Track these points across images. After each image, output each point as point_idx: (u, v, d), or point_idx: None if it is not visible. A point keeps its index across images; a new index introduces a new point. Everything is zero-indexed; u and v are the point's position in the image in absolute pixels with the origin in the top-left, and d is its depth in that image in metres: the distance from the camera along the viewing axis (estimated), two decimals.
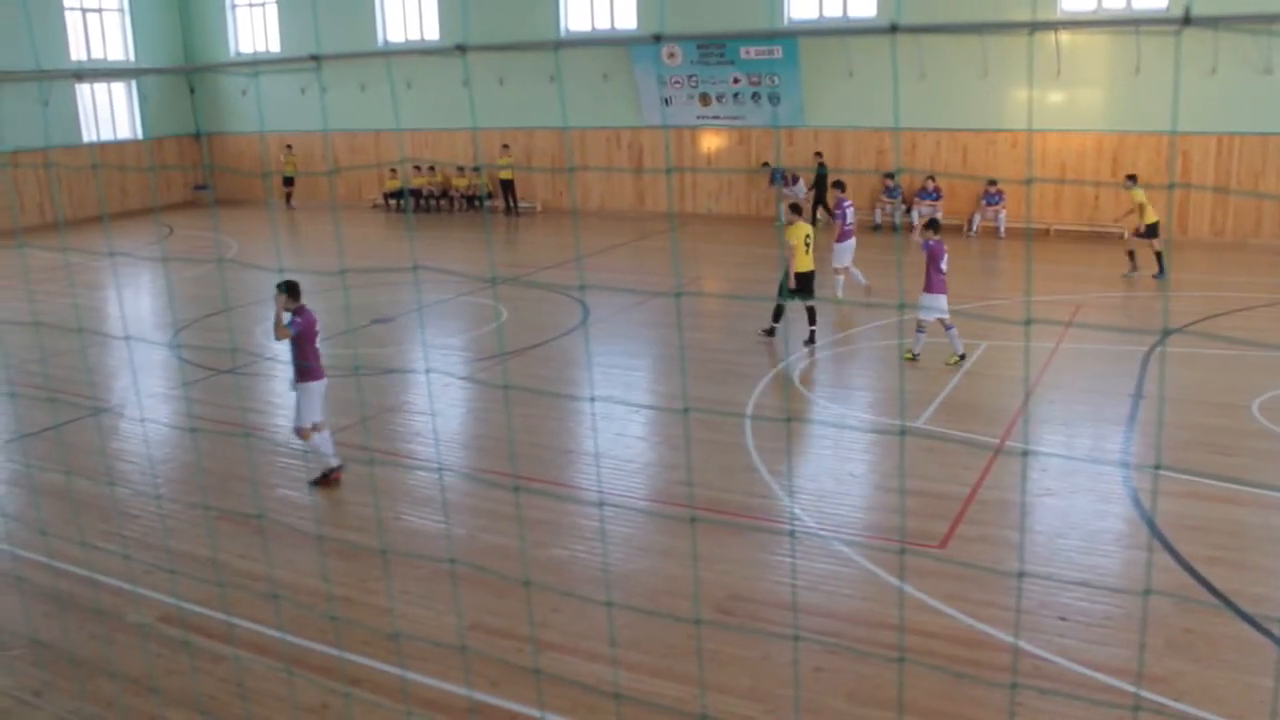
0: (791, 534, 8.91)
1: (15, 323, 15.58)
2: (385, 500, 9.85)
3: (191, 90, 32.95)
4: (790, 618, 7.46)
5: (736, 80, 24.80)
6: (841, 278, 16.37)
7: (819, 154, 23.89)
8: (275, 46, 31.31)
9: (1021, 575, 7.60)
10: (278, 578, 8.22)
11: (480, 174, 27.90)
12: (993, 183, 22.25)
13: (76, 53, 29.93)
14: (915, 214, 22.68)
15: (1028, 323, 3.79)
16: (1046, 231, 22.35)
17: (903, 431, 10.73)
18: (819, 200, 23.39)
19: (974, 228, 22.59)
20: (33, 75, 26.35)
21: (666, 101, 25.77)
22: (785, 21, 24.11)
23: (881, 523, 9.11)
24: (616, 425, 11.59)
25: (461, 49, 3.25)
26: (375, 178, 30.18)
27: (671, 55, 25.11)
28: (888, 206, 23.53)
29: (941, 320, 12.99)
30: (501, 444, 11.23)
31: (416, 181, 29.07)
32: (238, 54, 32.04)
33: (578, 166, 27.64)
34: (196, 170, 32.96)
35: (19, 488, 10.79)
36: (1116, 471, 9.88)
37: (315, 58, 3.76)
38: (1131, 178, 18.01)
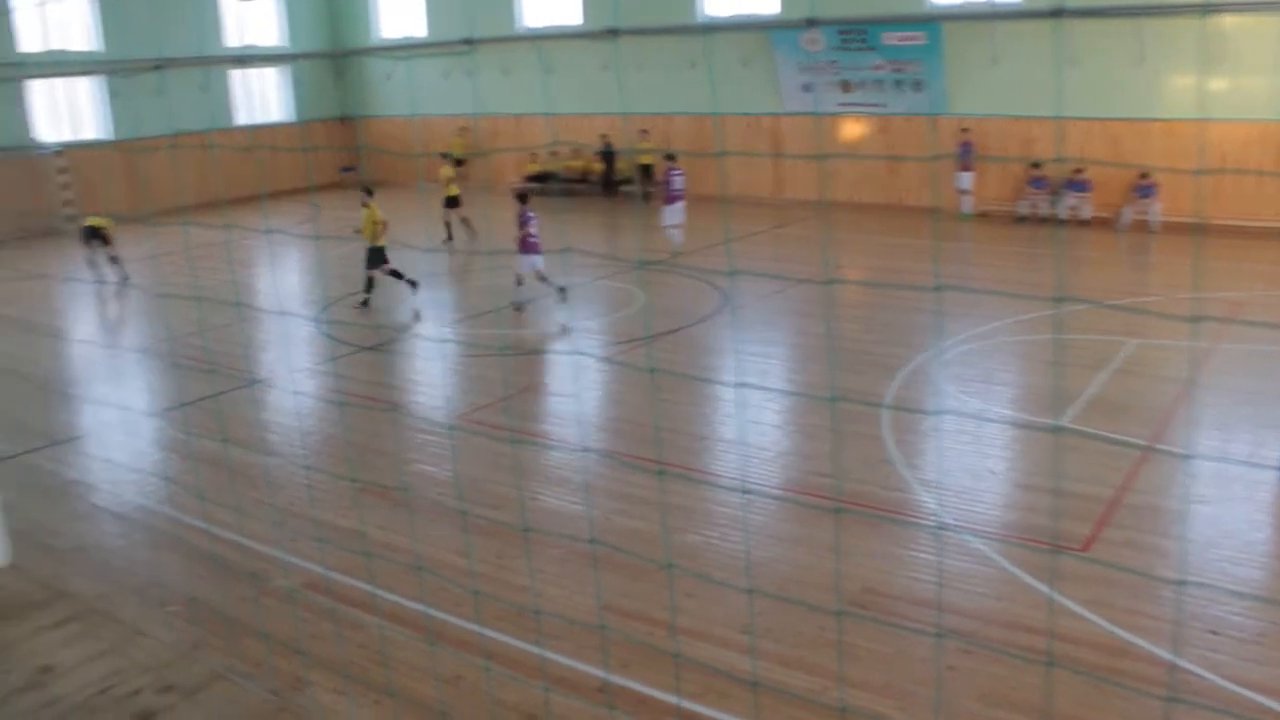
0: (940, 529, 8.75)
1: (178, 296, 16.27)
2: (520, 479, 10.01)
3: (339, 75, 33.89)
4: (924, 614, 7.36)
5: (878, 67, 24.36)
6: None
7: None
8: (419, 32, 31.97)
9: (1182, 584, 7.34)
10: (416, 550, 8.44)
11: (607, 158, 28.03)
12: (1145, 174, 21.42)
13: (232, 39, 31.10)
14: (1062, 206, 22.02)
15: (1195, 319, 3.65)
16: (1204, 226, 21.43)
17: (1057, 429, 10.49)
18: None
19: (1125, 221, 21.80)
20: (196, 61, 27.47)
21: (807, 88, 25.50)
22: (930, 6, 23.61)
23: (1021, 521, 8.91)
24: (752, 412, 11.55)
25: (613, 32, 3.27)
26: (514, 161, 30.57)
27: (813, 41, 24.80)
28: (1034, 198, 22.87)
29: None
30: (637, 427, 11.31)
31: (556, 166, 29.37)
32: (382, 39, 32.83)
33: (725, 151, 27.53)
34: (348, 152, 33.89)
35: (177, 454, 11.30)
36: (1277, 479, 9.44)
37: (468, 41, 3.81)
38: None
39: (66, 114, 28.22)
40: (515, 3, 29.62)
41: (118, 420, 12.37)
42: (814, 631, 7.15)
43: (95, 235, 19.80)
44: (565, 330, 15.43)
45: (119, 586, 8.19)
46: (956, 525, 8.74)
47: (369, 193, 17.04)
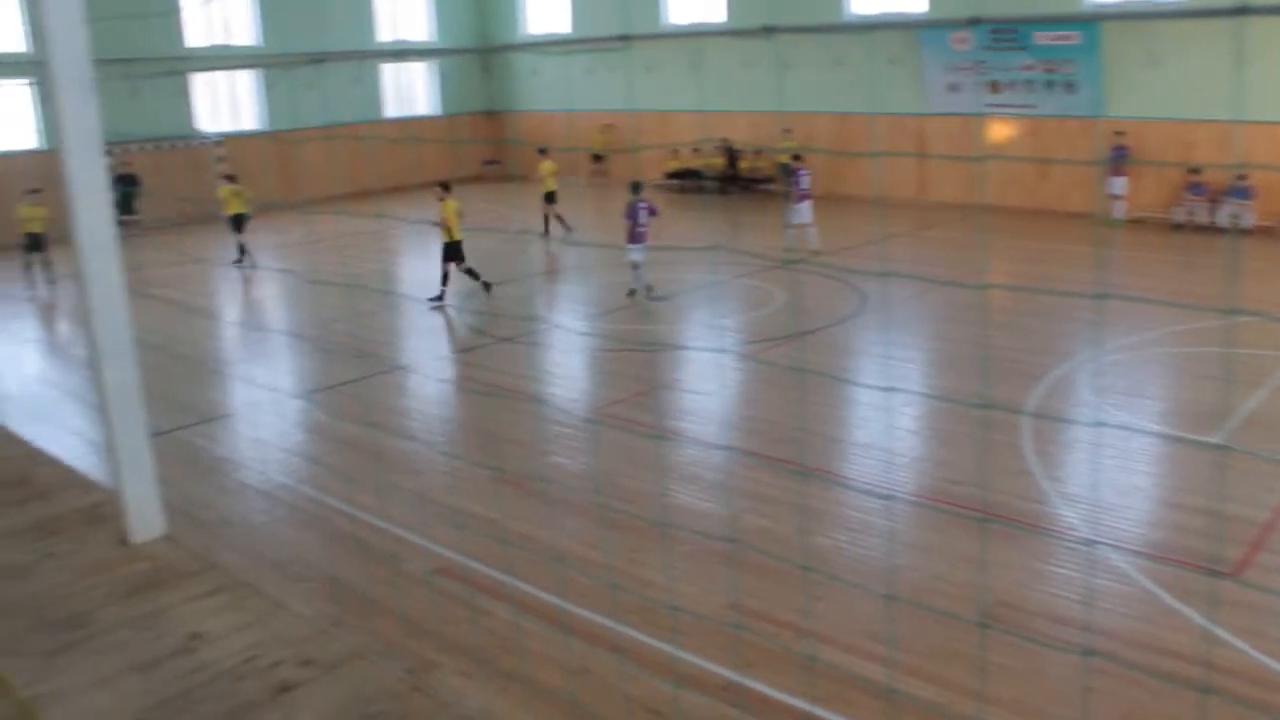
0: (1091, 544, 8.48)
1: (328, 282, 16.82)
2: (652, 475, 10.06)
3: (486, 70, 34.53)
4: (1060, 631, 7.15)
5: (1029, 67, 23.72)
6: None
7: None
8: (564, 28, 32.35)
9: None
10: (547, 540, 8.55)
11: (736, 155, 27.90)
12: None
13: (384, 34, 31.98)
14: (1223, 213, 21.11)
15: None
16: None
17: (1218, 446, 10.08)
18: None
19: None
20: (354, 55, 28.33)
21: (954, 88, 24.98)
22: (1085, 5, 22.88)
23: (1167, 541, 8.57)
24: (888, 417, 11.38)
25: (769, 30, 3.25)
26: (657, 158, 30.69)
27: (961, 41, 24.29)
28: (1192, 204, 21.97)
29: None
30: (770, 426, 11.25)
31: (697, 163, 29.39)
32: (528, 35, 33.32)
33: (879, 152, 27.14)
34: (494, 145, 34.52)
35: (321, 435, 11.68)
36: None
37: (624, 37, 3.84)
38: None
39: (227, 106, 29.40)
40: (661, 0, 29.77)
41: (266, 400, 12.84)
42: (944, 642, 7.01)
43: (237, 221, 21.02)
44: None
45: (262, 561, 8.51)
46: (1098, 541, 8.46)
47: (446, 188, 17.23)
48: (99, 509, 5.99)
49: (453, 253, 16.95)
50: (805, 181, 20.16)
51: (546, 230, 22.94)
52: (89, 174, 5.15)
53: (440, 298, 16.97)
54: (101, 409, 5.44)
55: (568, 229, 22.73)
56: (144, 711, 4.07)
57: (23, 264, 20.19)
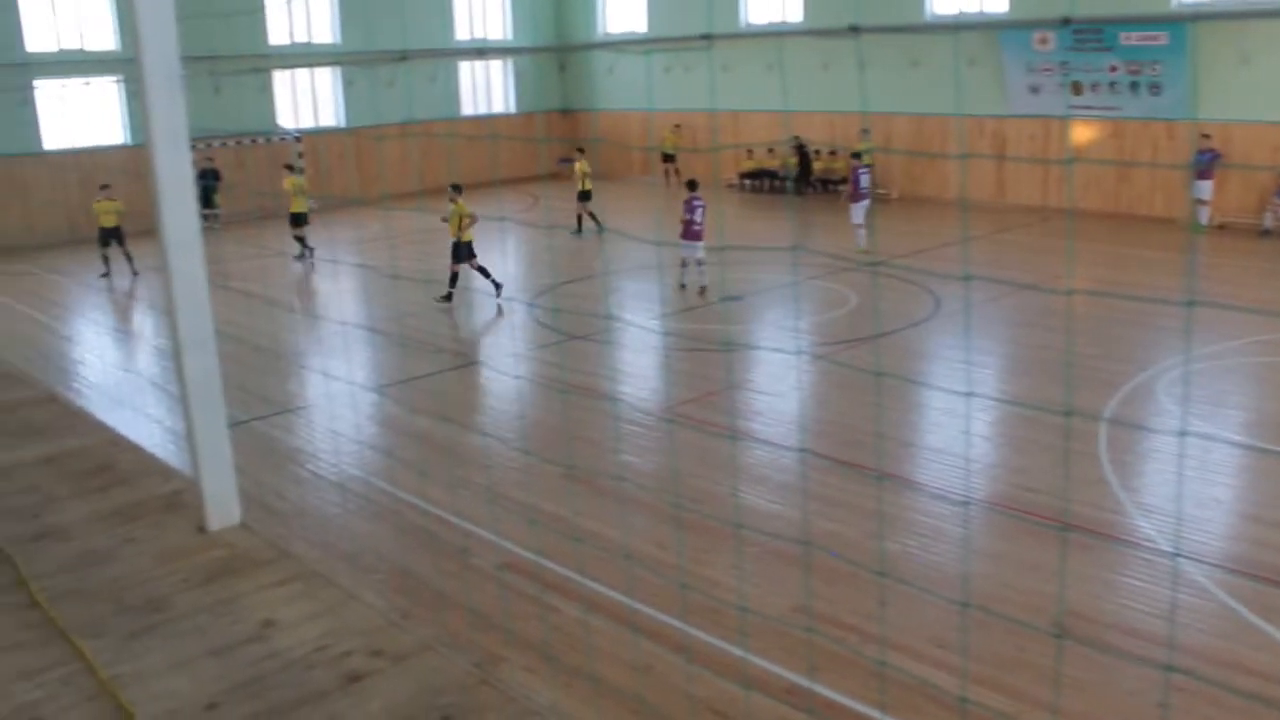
0: (1175, 558, 8.29)
1: (405, 277, 17.04)
2: (721, 475, 10.04)
3: (562, 68, 34.70)
4: (1133, 644, 7.01)
5: (1113, 68, 23.26)
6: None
7: None
8: (640, 27, 32.38)
9: None
10: (615, 538, 8.57)
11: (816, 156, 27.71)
12: None
13: (461, 33, 32.29)
14: None
15: None
16: None
17: None
18: None
19: None
20: (437, 53, 28.67)
21: (1034, 89, 24.58)
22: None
23: (1248, 555, 8.35)
24: (961, 422, 11.24)
25: (855, 30, 3.23)
26: (732, 158, 30.62)
27: (1043, 41, 23.90)
28: None
29: None
30: (840, 429, 11.18)
31: (771, 164, 29.27)
32: (606, 34, 33.40)
33: (966, 154, 26.83)
34: (565, 144, 34.70)
35: (393, 428, 11.84)
36: None
37: (706, 37, 3.83)
38: None
39: (307, 102, 29.89)
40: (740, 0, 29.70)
41: (341, 393, 13.04)
42: (1012, 652, 6.91)
43: (297, 219, 21.88)
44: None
45: (334, 551, 8.64)
46: (1178, 553, 8.29)
47: (457, 189, 17.50)
48: (178, 496, 6.13)
49: (463, 253, 17.21)
50: (864, 181, 20.31)
51: (579, 228, 23.35)
52: (175, 169, 5.27)
53: (448, 297, 17.21)
54: (183, 398, 5.57)
55: (601, 227, 23.07)
56: (218, 695, 4.16)
57: (100, 257, 20.82)
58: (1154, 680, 6.59)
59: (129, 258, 20.59)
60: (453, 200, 17.22)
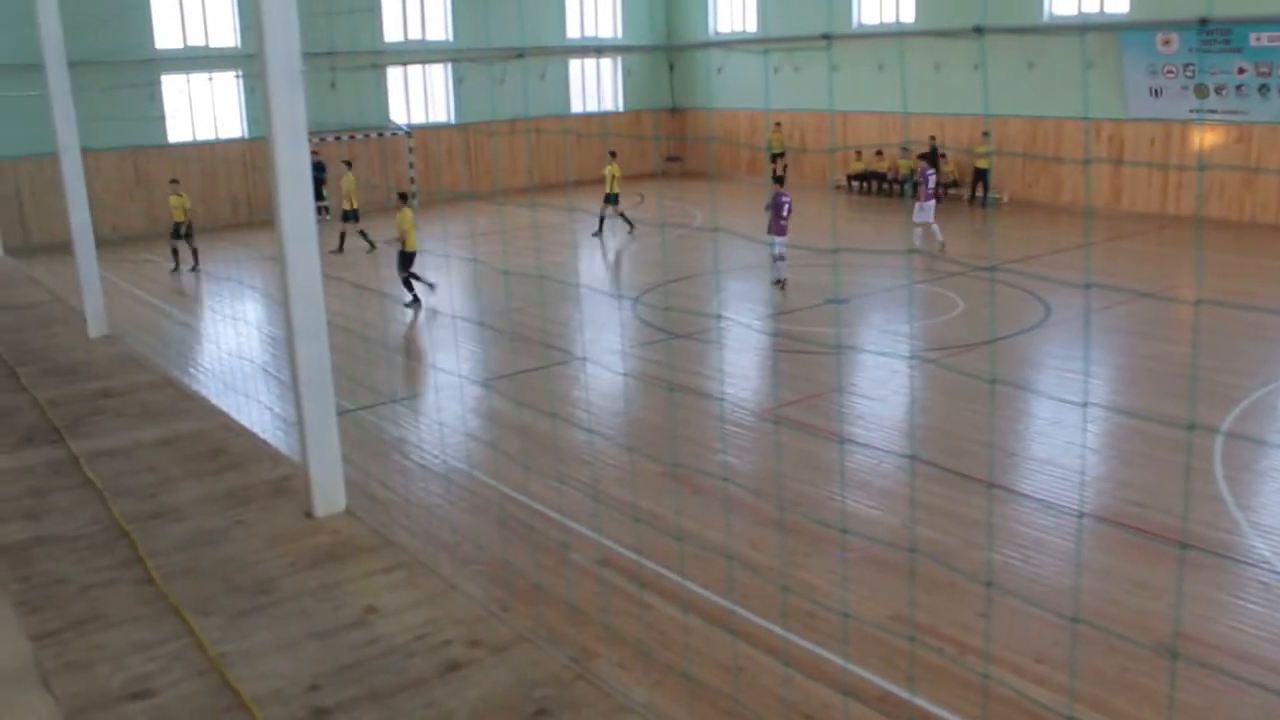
0: None
1: (520, 273, 17.25)
2: (820, 478, 9.97)
3: (671, 67, 34.74)
4: (1244, 669, 6.77)
5: (1241, 71, 22.48)
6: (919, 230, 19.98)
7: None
8: (750, 27, 32.26)
9: None
10: (712, 538, 8.56)
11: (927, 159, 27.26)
12: None
13: (573, 31, 32.54)
14: None
15: None
16: None
17: None
18: None
19: None
20: (554, 51, 28.96)
21: (1156, 93, 23.86)
22: None
23: None
24: (1069, 433, 10.98)
25: (979, 30, 3.18)
26: (840, 159, 30.35)
27: (1167, 42, 23.20)
28: None
29: None
30: (942, 436, 11.01)
31: (880, 166, 28.93)
32: (715, 33, 33.34)
33: (1090, 159, 26.18)
34: (674, 142, 34.80)
35: (496, 421, 11.99)
36: None
37: (826, 37, 3.80)
38: None
39: (419, 98, 30.41)
40: (853, 1, 29.40)
41: (446, 385, 13.25)
42: (1115, 670, 6.73)
43: (348, 215, 22.69)
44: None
45: (435, 541, 8.78)
46: None
47: (404, 198, 17.99)
48: (287, 481, 6.29)
49: (406, 261, 17.53)
50: (932, 181, 20.86)
51: (600, 230, 23.71)
52: (294, 162, 5.41)
53: (415, 301, 17.58)
54: (293, 386, 5.72)
55: (631, 227, 23.64)
56: (320, 677, 4.26)
57: (170, 249, 21.65)
58: (1266, 708, 6.36)
59: (195, 252, 21.25)
60: (399, 210, 17.70)
